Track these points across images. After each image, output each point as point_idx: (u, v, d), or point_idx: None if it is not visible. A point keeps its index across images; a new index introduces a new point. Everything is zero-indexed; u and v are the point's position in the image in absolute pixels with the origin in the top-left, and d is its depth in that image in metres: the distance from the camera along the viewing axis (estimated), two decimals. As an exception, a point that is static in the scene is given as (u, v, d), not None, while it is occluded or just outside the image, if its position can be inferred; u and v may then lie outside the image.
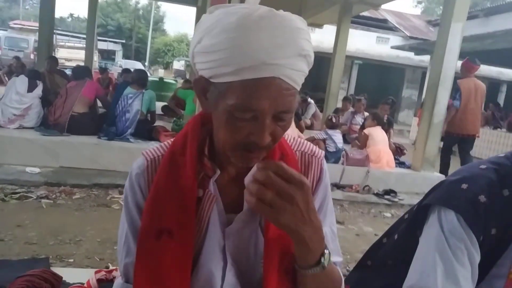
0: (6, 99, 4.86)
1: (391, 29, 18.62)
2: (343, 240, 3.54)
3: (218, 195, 0.84)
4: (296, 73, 0.71)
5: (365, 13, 15.41)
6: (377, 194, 4.99)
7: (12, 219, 3.08)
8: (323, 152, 0.96)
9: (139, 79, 5.32)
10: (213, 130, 0.80)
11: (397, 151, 6.17)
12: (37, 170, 4.22)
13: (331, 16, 9.69)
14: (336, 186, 5.07)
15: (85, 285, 1.44)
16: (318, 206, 0.91)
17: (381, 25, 18.48)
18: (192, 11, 13.40)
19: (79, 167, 4.43)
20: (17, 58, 11.45)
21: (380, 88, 16.87)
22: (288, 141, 0.92)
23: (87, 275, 1.55)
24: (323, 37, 14.13)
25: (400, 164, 5.78)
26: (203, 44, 0.72)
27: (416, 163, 5.52)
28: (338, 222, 4.00)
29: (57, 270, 1.69)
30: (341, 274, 0.96)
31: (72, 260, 2.57)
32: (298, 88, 0.74)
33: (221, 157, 0.83)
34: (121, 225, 0.89)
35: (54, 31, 10.28)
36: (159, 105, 6.53)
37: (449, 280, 0.94)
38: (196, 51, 0.74)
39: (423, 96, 7.06)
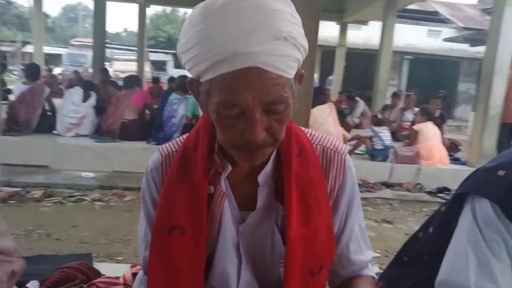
0: (63, 109, 5.20)
1: (443, 21, 17.73)
2: (391, 240, 3.42)
3: (230, 192, 0.82)
4: (279, 59, 0.65)
5: (414, 6, 14.82)
6: (429, 192, 4.76)
7: (68, 220, 3.29)
8: (347, 147, 0.90)
9: (182, 85, 5.50)
10: (219, 139, 0.77)
11: (452, 147, 5.85)
12: (91, 174, 4.48)
13: (376, 12, 9.41)
14: (385, 184, 4.90)
15: (121, 278, 1.50)
16: (344, 204, 0.87)
17: (432, 17, 17.66)
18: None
19: (130, 171, 4.64)
20: (76, 72, 12.26)
21: (433, 83, 16.07)
22: (308, 135, 0.87)
23: (124, 270, 1.61)
24: (369, 33, 13.78)
25: (455, 160, 5.48)
26: (180, 44, 0.70)
27: (472, 158, 5.19)
28: (386, 222, 3.87)
29: (98, 265, 1.77)
30: (373, 273, 0.95)
31: (120, 258, 2.70)
32: (289, 76, 0.68)
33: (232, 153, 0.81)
34: (140, 220, 0.91)
35: (109, 45, 10.87)
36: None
37: (483, 275, 0.86)
38: (178, 52, 0.72)
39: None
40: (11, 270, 1.02)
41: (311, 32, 2.69)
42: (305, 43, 0.70)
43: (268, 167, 0.81)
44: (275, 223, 0.83)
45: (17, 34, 28.42)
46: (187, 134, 0.87)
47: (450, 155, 5.49)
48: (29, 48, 20.00)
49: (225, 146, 0.73)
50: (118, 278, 1.56)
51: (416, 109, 7.00)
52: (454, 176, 5.01)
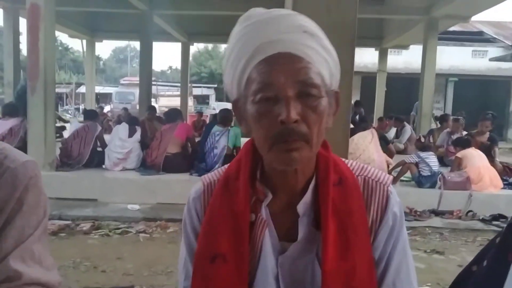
0: (111, 145, 5.47)
1: (489, 40, 17.12)
2: (443, 272, 3.21)
3: (270, 220, 0.81)
4: (307, 48, 0.72)
5: (457, 28, 14.47)
6: (483, 220, 4.47)
7: (113, 252, 3.38)
8: (391, 178, 0.85)
9: (224, 118, 5.64)
10: (259, 148, 0.78)
11: (506, 171, 5.51)
12: (137, 207, 4.62)
13: (416, 36, 9.28)
14: (434, 213, 4.67)
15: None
16: (384, 240, 0.80)
17: (476, 38, 17.12)
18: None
19: (174, 202, 4.73)
20: (125, 109, 12.90)
21: (481, 104, 15.39)
22: (349, 165, 0.85)
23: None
24: (411, 57, 13.54)
25: (509, 185, 5.13)
26: (224, 62, 0.78)
27: (529, 183, 4.85)
28: (437, 252, 3.66)
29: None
30: None
31: (164, 290, 2.72)
32: (318, 66, 0.73)
33: (273, 180, 0.81)
34: (181, 249, 0.90)
35: (154, 83, 11.41)
36: (244, 140, 6.78)
37: None
38: (223, 68, 0.80)
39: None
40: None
41: (347, 61, 2.69)
42: (332, 49, 0.76)
43: (308, 197, 0.79)
44: (315, 255, 0.80)
45: (72, 77, 30.60)
46: (228, 164, 0.88)
47: (504, 180, 5.16)
48: (82, 89, 21.44)
49: (264, 145, 0.74)
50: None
51: (465, 132, 6.71)
52: (510, 202, 4.70)
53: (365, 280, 0.77)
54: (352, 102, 8.17)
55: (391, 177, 0.86)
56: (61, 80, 27.48)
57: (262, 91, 0.71)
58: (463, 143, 5.40)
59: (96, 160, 5.44)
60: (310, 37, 0.73)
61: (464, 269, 1.19)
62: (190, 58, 18.69)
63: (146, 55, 9.02)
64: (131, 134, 5.56)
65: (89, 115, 6.12)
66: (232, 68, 0.76)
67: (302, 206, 0.79)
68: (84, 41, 12.38)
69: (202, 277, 0.80)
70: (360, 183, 0.82)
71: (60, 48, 34.75)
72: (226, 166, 0.89)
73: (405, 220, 0.87)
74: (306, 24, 0.74)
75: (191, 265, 0.84)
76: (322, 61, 0.74)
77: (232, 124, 5.77)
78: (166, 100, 22.77)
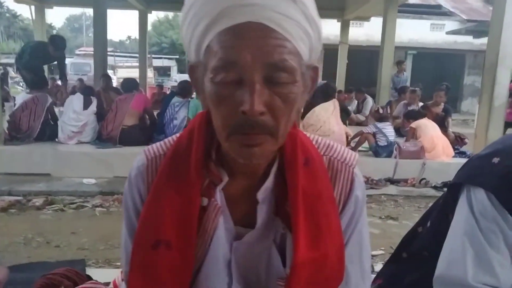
0: (65, 117, 5.21)
1: (446, 14, 17.57)
2: (396, 236, 3.34)
3: (225, 206, 0.73)
4: (286, 20, 0.58)
5: (416, 0, 14.71)
6: (435, 187, 4.68)
7: (68, 227, 3.27)
8: (356, 159, 0.79)
9: (184, 89, 5.49)
10: (216, 132, 0.67)
11: (457, 140, 5.76)
12: (93, 181, 4.47)
13: (377, 8, 9.32)
14: (390, 181, 4.83)
15: (111, 284, 1.46)
16: (346, 224, 0.76)
17: (435, 11, 17.50)
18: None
19: (132, 176, 4.63)
20: (80, 80, 12.34)
21: (438, 77, 15.90)
22: (316, 144, 0.78)
23: (115, 275, 1.58)
24: (372, 30, 13.67)
25: (460, 153, 5.39)
26: (182, 15, 0.66)
27: (478, 151, 5.09)
28: (391, 218, 3.81)
29: (93, 270, 1.74)
30: None
31: (119, 263, 2.66)
32: (297, 46, 0.60)
33: (230, 162, 0.71)
34: (122, 231, 0.81)
35: (111, 53, 10.90)
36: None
37: (481, 268, 0.82)
38: (182, 34, 0.67)
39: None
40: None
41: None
42: (317, 19, 0.63)
43: (269, 183, 0.72)
44: (273, 240, 0.75)
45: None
46: (177, 135, 0.77)
47: (456, 149, 5.40)
48: (34, 59, 20.22)
49: (222, 132, 0.63)
50: (108, 283, 1.52)
51: (421, 104, 6.91)
52: (460, 169, 4.94)
53: (335, 267, 0.74)
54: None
55: (356, 156, 0.80)
56: (10, 50, 25.80)
57: (224, 71, 0.59)
58: (414, 115, 5.64)
59: (48, 133, 5.18)
60: (291, 3, 0.59)
61: (410, 230, 1.23)
62: (149, 28, 17.98)
63: (100, 24, 8.54)
64: (86, 106, 5.30)
65: (37, 85, 5.72)
66: (190, 28, 0.64)
67: (263, 192, 0.72)
68: (33, 7, 11.57)
69: (143, 265, 0.72)
70: (325, 163, 0.76)
71: (7, 15, 32.47)
72: (175, 137, 0.78)
73: None
74: None
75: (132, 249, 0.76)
76: (302, 35, 0.61)
77: (193, 96, 5.64)
78: (125, 71, 21.94)
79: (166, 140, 0.79)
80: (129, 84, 5.73)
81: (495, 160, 0.88)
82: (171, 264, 0.70)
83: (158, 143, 0.80)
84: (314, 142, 0.78)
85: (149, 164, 0.76)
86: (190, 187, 0.70)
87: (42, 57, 6.29)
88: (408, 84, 9.81)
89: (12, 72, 18.86)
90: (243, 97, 0.58)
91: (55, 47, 6.19)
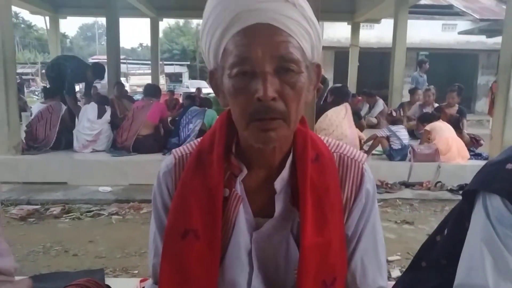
0: (79, 126, 5.29)
1: (458, 14, 17.34)
2: (412, 241, 3.31)
3: (244, 196, 0.80)
4: (288, 20, 0.68)
5: (427, 1, 14.58)
6: (451, 190, 4.62)
7: (85, 236, 3.31)
8: (365, 157, 0.87)
9: (204, 102, 5.78)
10: (236, 123, 0.76)
11: (473, 142, 5.67)
12: (108, 189, 4.53)
13: (387, 9, 9.27)
14: (405, 184, 4.79)
15: (131, 293, 1.48)
16: (358, 216, 0.82)
17: (446, 11, 17.29)
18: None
19: (146, 183, 4.65)
20: (94, 87, 12.51)
21: (451, 78, 15.70)
22: (326, 142, 0.85)
23: (134, 284, 1.59)
24: (382, 32, 13.59)
25: (476, 155, 5.30)
26: (201, 28, 0.75)
27: (494, 153, 5.01)
28: (407, 223, 3.76)
29: (111, 280, 1.76)
30: None
31: (136, 272, 2.69)
32: (300, 42, 0.70)
33: (248, 155, 0.79)
34: (151, 226, 0.88)
35: (125, 61, 11.03)
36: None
37: (501, 275, 0.82)
38: (202, 45, 0.76)
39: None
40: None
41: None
42: (315, 20, 0.72)
43: (285, 173, 0.78)
44: (290, 231, 0.81)
45: (38, 56, 29.32)
46: (202, 137, 0.86)
47: (471, 151, 5.32)
48: (48, 69, 20.55)
49: (241, 122, 0.72)
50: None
51: (436, 105, 6.82)
52: (476, 172, 4.85)
53: (338, 254, 0.79)
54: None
55: (365, 155, 0.87)
56: (25, 60, 26.31)
57: (239, 66, 0.68)
58: (428, 118, 5.56)
59: (64, 142, 5.26)
60: (292, 7, 0.69)
61: (428, 239, 1.22)
62: (161, 35, 18.16)
63: (113, 32, 8.68)
64: (100, 114, 5.37)
65: (50, 94, 5.74)
66: (208, 37, 0.74)
67: (280, 182, 0.78)
68: (47, 18, 11.80)
69: (173, 253, 0.78)
70: (336, 160, 0.83)
71: (22, 25, 33.13)
72: (199, 139, 0.86)
73: (377, 192, 0.89)
74: None
75: (160, 241, 0.82)
76: (303, 33, 0.71)
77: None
78: (137, 79, 22.27)
79: (191, 142, 0.88)
80: (152, 91, 5.73)
81: (509, 166, 0.88)
82: (199, 252, 0.76)
83: (184, 145, 0.88)
84: (324, 141, 0.86)
85: (176, 163, 0.84)
86: (213, 179, 0.77)
87: (80, 78, 6.44)
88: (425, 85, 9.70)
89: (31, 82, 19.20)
90: (257, 86, 0.67)
91: (95, 74, 6.31)
